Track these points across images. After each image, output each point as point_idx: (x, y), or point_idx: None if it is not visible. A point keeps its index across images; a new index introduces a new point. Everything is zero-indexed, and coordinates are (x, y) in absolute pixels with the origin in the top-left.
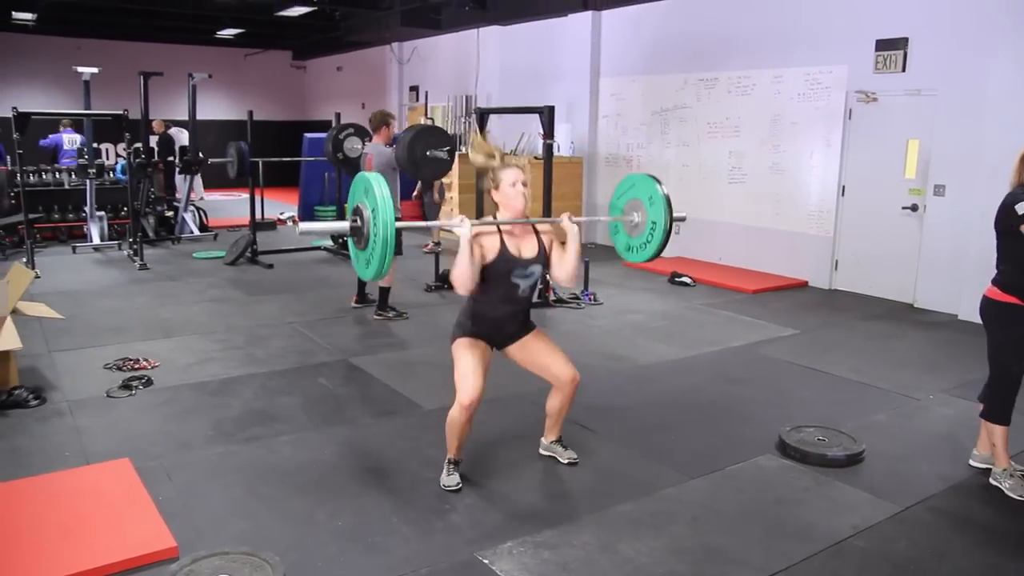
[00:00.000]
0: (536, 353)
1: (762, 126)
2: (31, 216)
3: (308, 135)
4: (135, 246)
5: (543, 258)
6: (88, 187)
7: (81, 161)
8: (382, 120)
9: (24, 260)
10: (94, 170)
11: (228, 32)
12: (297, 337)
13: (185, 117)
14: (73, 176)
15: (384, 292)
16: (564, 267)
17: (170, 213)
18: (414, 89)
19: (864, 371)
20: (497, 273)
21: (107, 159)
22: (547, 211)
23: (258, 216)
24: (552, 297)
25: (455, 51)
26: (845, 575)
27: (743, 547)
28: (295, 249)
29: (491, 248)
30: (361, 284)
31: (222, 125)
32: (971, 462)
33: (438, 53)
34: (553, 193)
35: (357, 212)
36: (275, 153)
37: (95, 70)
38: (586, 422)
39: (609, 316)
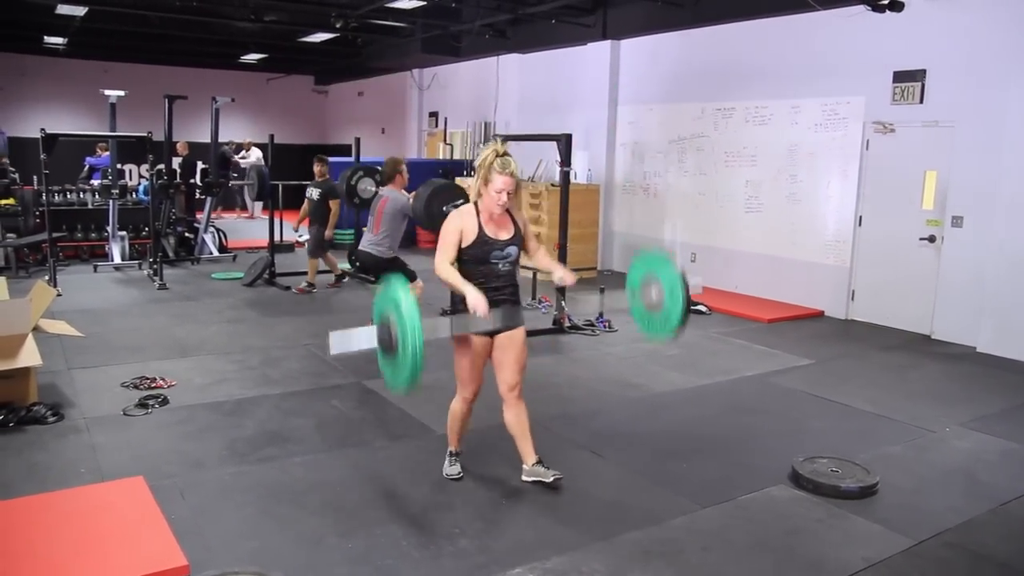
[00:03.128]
0: (507, 351)
1: (779, 156)
2: (54, 235)
3: (328, 159)
4: (155, 266)
5: (519, 240)
6: (111, 207)
7: (105, 182)
8: (394, 168)
9: (47, 278)
10: (117, 190)
11: (251, 57)
12: (312, 359)
13: (207, 140)
14: (97, 196)
15: None
16: (535, 260)
17: (190, 234)
18: (434, 115)
19: (879, 402)
20: (477, 255)
21: (130, 180)
22: (563, 238)
23: (277, 238)
24: (567, 324)
25: (475, 78)
26: None
27: None
28: None
29: (470, 232)
30: None
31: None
32: None
33: (458, 80)
34: (569, 220)
35: (385, 325)
36: (296, 177)
37: (121, 93)
38: (598, 449)
39: (623, 343)
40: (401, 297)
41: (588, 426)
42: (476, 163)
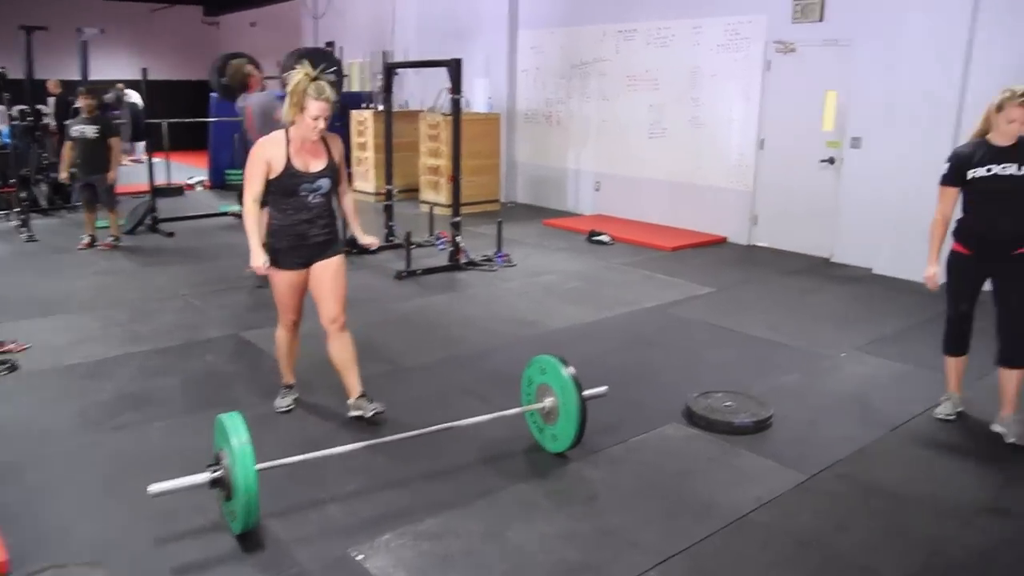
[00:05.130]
0: (323, 281)
1: (681, 78)
2: None
3: (215, 95)
4: (22, 216)
5: (332, 172)
6: None
7: None
8: (242, 78)
9: None
10: None
11: None
12: (188, 310)
13: (78, 77)
14: None
15: None
16: (343, 207)
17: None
18: (330, 45)
19: (779, 329)
20: (285, 187)
21: None
22: (456, 170)
23: (164, 181)
24: (463, 260)
25: (371, 4)
26: (746, 553)
27: (640, 527)
28: (201, 216)
29: (277, 163)
30: None
31: (128, 86)
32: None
33: (354, 7)
34: (468, 151)
35: (218, 460)
36: (189, 114)
37: None
38: (485, 394)
39: (521, 278)
40: (235, 440)
41: (477, 369)
42: (288, 88)
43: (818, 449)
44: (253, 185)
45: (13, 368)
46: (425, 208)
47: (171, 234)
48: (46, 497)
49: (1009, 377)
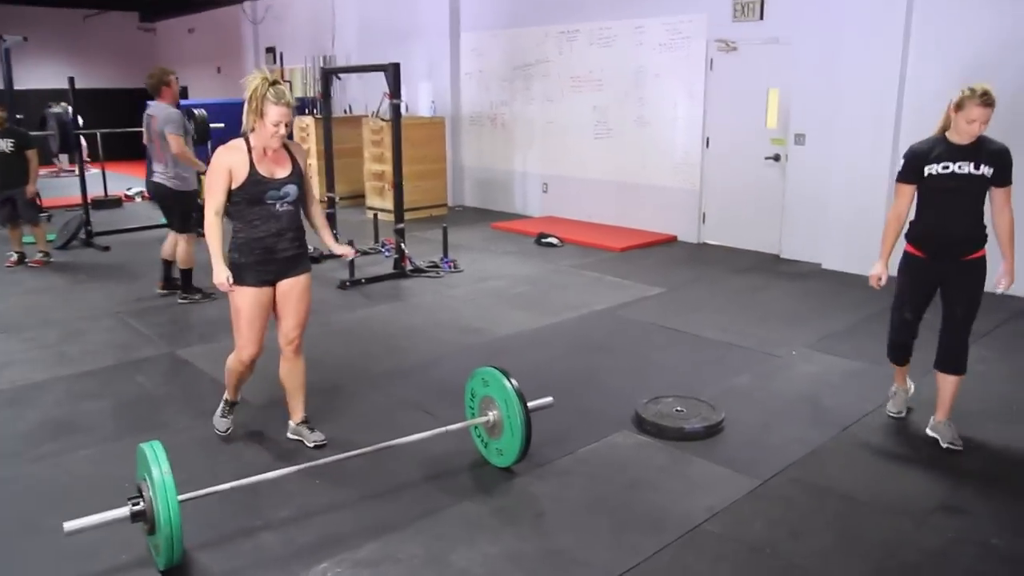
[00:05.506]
0: (288, 300)
1: (625, 78)
2: None
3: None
4: None
5: (298, 178)
6: None
7: None
8: (161, 80)
9: None
10: None
11: None
12: (121, 329)
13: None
14: None
15: (186, 273)
16: (312, 220)
17: None
18: (271, 50)
19: (729, 329)
20: (250, 195)
21: None
22: (398, 176)
23: (100, 193)
24: (409, 267)
25: (311, 10)
26: (697, 568)
27: (588, 545)
28: (139, 228)
29: (240, 171)
30: (166, 265)
31: (61, 95)
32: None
33: (293, 12)
34: (413, 156)
35: (139, 492)
36: (125, 123)
37: None
38: (429, 406)
39: (468, 284)
40: (155, 472)
41: (422, 380)
42: (246, 94)
43: (770, 453)
44: (214, 196)
45: None
46: (370, 215)
47: (107, 248)
48: None
49: (945, 382)
